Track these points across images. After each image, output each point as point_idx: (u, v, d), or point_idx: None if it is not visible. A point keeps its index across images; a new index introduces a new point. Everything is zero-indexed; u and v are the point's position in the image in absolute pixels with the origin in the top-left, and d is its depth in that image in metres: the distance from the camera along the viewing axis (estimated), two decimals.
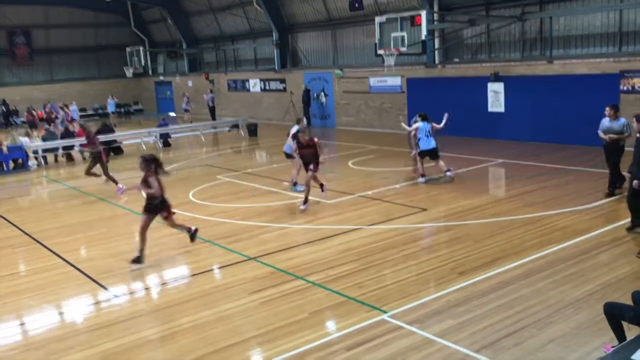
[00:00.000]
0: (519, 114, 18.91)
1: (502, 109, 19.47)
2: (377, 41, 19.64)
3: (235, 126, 26.54)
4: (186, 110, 30.86)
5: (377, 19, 19.59)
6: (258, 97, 30.85)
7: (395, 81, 22.88)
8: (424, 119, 13.64)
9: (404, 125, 15.20)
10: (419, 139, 13.58)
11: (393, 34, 19.22)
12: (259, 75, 30.74)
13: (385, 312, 6.91)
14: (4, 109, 34.52)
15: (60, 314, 7.77)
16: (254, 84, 31.08)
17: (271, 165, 17.65)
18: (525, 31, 19.25)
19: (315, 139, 11.78)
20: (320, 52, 27.66)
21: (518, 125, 18.96)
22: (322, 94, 26.59)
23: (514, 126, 19.05)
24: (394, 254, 8.95)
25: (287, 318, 6.96)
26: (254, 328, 6.81)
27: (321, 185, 12.36)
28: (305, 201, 11.85)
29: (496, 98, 19.54)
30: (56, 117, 29.43)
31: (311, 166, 11.73)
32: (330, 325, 6.82)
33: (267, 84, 30.18)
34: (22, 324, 7.49)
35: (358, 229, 10.43)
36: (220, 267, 9.08)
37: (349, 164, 16.93)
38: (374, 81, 23.95)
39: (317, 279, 8.11)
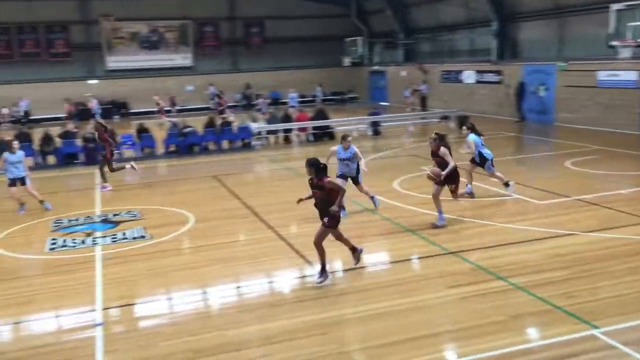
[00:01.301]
0: None
1: None
2: (610, 31, 17.79)
3: (445, 117, 26.19)
4: (407, 97, 32.49)
5: (613, 7, 17.71)
6: (471, 89, 30.04)
7: (630, 76, 20.53)
8: None
9: None
10: None
11: (630, 24, 17.24)
12: (474, 66, 29.87)
13: (597, 327, 6.30)
14: (246, 93, 38.00)
15: (270, 282, 8.46)
16: (468, 76, 30.30)
17: None
18: None
19: (327, 180, 7.89)
20: (543, 42, 25.91)
21: None
22: (541, 87, 24.94)
23: None
24: (614, 266, 8.10)
25: (485, 317, 6.73)
26: (449, 322, 6.71)
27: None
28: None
29: None
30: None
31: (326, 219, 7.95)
32: (532, 332, 6.43)
33: (482, 75, 29.22)
34: (238, 287, 8.31)
35: (572, 234, 9.63)
36: (419, 258, 9.08)
37: (567, 164, 15.67)
38: (603, 75, 21.78)
39: (520, 282, 7.68)
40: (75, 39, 36.23)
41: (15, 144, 13.25)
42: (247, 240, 10.49)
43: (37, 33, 35.45)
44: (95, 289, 8.28)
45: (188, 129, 21.30)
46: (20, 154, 13.02)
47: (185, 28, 38.47)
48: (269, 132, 22.53)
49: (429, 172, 10.69)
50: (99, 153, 16.41)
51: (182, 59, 38.79)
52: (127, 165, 15.64)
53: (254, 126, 22.31)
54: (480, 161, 12.32)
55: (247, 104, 36.43)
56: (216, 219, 11.77)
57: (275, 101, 35.43)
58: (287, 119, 23.17)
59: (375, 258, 9.23)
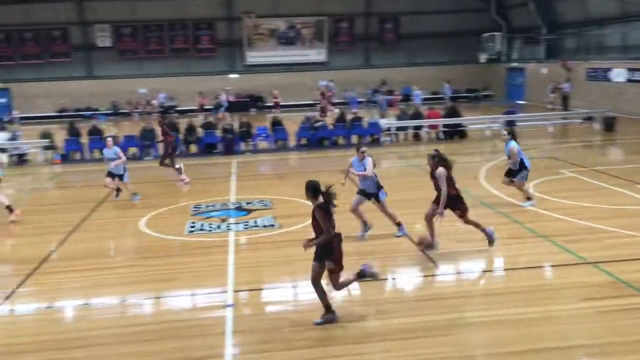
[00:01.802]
0: None
1: None
2: None
3: (589, 118, 24.46)
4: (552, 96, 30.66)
5: None
6: (621, 89, 27.76)
7: None
8: None
9: None
10: None
11: None
12: (626, 64, 27.56)
13: None
14: (380, 89, 37.97)
15: (393, 279, 8.45)
16: (618, 74, 28.02)
17: (626, 166, 15.80)
18: None
19: (319, 212, 6.74)
20: None
21: None
22: None
23: None
24: None
25: (627, 335, 6.23)
26: (584, 336, 6.30)
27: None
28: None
29: None
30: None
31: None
32: None
33: (634, 74, 26.89)
34: (363, 282, 8.37)
35: None
36: (552, 266, 8.60)
37: None
38: None
39: None
40: (220, 35, 38.40)
41: (110, 140, 13.94)
42: (372, 236, 10.53)
43: (186, 30, 38.04)
44: (227, 271, 8.76)
45: (319, 123, 21.80)
46: (115, 149, 13.59)
47: (320, 24, 39.30)
48: (399, 128, 22.41)
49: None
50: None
51: (317, 54, 39.68)
52: (177, 166, 15.64)
53: (383, 122, 22.31)
54: (518, 169, 11.53)
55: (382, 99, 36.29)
56: (344, 212, 11.91)
57: (407, 98, 35.12)
58: (417, 115, 22.91)
59: (504, 263, 8.88)
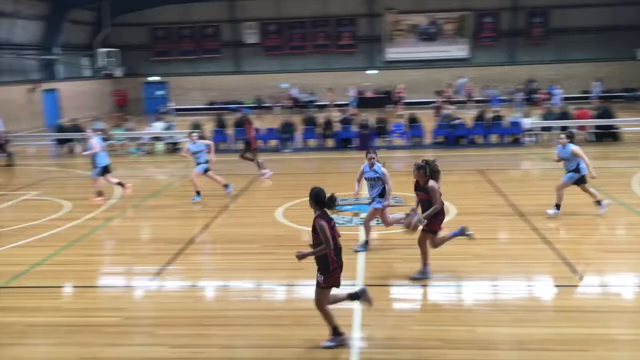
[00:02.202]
0: None
1: None
2: None
3: None
4: None
5: None
6: None
7: None
8: None
9: None
10: None
11: None
12: None
13: None
14: (526, 87, 36.31)
15: (529, 286, 8.07)
16: None
17: None
18: None
19: (319, 222, 6.55)
20: None
21: None
22: None
23: None
24: None
25: None
26: None
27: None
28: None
29: None
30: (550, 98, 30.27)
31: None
32: None
33: None
34: (493, 286, 8.10)
35: None
36: None
37: None
38: None
39: None
40: (360, 31, 38.78)
41: (195, 135, 14.16)
42: (508, 240, 10.14)
43: (328, 26, 38.89)
44: (357, 266, 8.89)
45: (456, 121, 21.29)
46: (199, 144, 13.64)
47: (463, 19, 38.24)
48: (543, 128, 21.23)
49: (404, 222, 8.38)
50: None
51: (458, 50, 38.66)
52: (260, 160, 16.03)
53: (526, 122, 21.26)
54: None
55: (526, 98, 34.60)
56: (478, 213, 11.58)
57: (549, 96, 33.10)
58: (564, 115, 21.55)
59: None
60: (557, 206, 10.95)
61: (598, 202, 10.83)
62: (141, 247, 10.51)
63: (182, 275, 8.91)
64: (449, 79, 35.92)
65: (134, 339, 6.79)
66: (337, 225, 6.57)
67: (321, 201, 6.46)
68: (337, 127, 21.82)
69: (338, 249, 6.39)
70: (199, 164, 13.57)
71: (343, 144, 21.31)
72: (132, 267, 9.35)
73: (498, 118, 21.37)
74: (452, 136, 20.98)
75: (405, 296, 7.97)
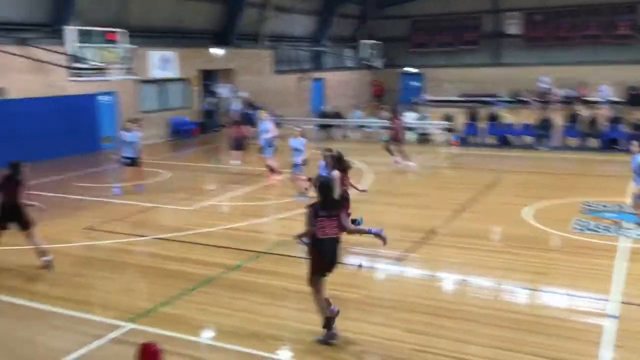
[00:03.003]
0: None
1: None
2: None
3: None
4: None
5: None
6: None
7: None
8: None
9: None
10: None
11: None
12: None
13: None
14: None
15: None
16: None
17: None
18: None
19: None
20: None
21: None
22: None
23: None
24: None
25: None
26: None
27: None
28: None
29: None
30: None
31: None
32: None
33: None
34: None
35: None
36: None
37: None
38: None
39: None
40: None
41: (299, 130, 13.47)
42: None
43: (600, 15, 35.31)
44: (612, 279, 8.08)
45: None
46: (300, 141, 13.09)
47: None
48: None
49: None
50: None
51: None
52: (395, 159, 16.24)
53: None
54: None
55: None
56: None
57: None
58: None
59: None
60: None
61: None
62: (385, 230, 10.94)
63: (422, 264, 9.09)
64: None
65: (371, 317, 7.17)
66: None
67: (321, 190, 6.49)
68: (605, 126, 19.86)
69: (320, 240, 6.36)
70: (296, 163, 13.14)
71: (609, 144, 19.33)
72: (375, 249, 9.83)
73: None
74: None
75: None
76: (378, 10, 39.37)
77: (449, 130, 22.02)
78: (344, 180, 9.36)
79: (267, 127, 15.25)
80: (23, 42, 18.11)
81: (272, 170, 15.16)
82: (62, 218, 11.77)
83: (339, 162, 9.44)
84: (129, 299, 7.80)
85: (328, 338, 6.41)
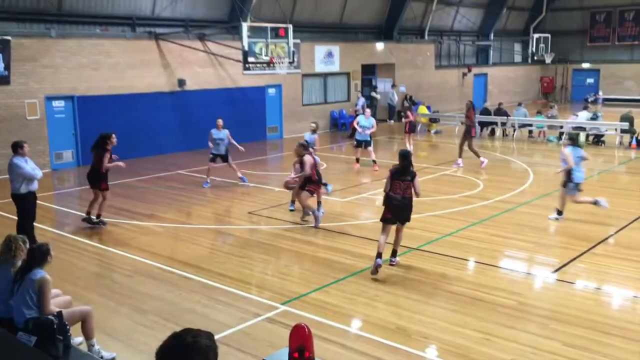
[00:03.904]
0: None
1: None
2: None
3: None
4: None
5: None
6: None
7: None
8: None
9: None
10: None
11: None
12: None
13: None
14: None
15: None
16: None
17: None
18: None
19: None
20: None
21: None
22: None
23: None
24: None
25: None
26: None
27: None
28: None
29: None
30: None
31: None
32: None
33: None
34: None
35: None
36: None
37: None
38: None
39: None
40: None
41: (313, 125, 13.62)
42: None
43: None
44: None
45: None
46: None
47: None
48: None
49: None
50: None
51: None
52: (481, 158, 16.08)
53: None
54: None
55: None
56: None
57: None
58: None
59: None
60: None
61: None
62: (546, 237, 10.30)
63: (587, 275, 8.43)
64: None
65: (527, 325, 6.78)
66: None
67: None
68: None
69: (389, 196, 8.32)
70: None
71: None
72: (534, 255, 9.30)
73: None
74: None
75: None
76: (552, 2, 36.87)
77: (627, 132, 20.06)
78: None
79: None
80: (202, 37, 19.69)
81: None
82: (229, 201, 12.71)
83: (306, 148, 10.96)
84: (283, 282, 8.18)
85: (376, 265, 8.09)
